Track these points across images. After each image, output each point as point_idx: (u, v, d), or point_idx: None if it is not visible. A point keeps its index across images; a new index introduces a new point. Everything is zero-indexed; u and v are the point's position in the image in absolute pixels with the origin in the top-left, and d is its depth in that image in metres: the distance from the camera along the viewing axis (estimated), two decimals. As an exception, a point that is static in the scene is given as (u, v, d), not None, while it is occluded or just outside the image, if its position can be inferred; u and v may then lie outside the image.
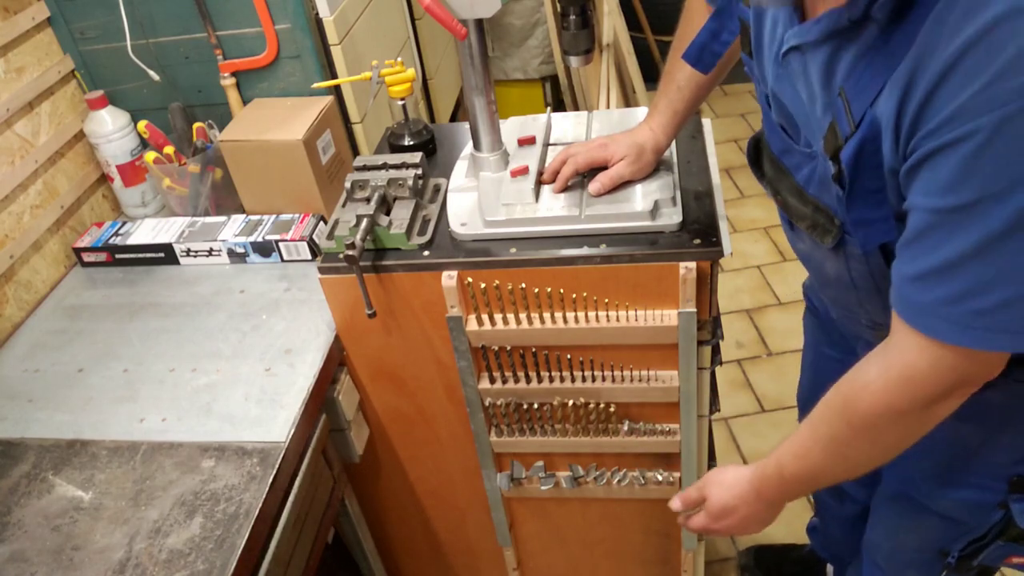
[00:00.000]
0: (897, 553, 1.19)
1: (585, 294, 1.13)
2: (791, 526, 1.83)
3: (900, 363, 0.73)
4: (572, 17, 1.11)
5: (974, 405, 0.79)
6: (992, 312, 0.63)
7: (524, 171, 1.20)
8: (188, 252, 1.41)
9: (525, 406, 1.24)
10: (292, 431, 1.08)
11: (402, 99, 1.39)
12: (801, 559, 1.71)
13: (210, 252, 1.40)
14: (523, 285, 1.13)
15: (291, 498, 1.08)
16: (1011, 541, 0.99)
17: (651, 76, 1.25)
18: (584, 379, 1.21)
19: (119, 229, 1.47)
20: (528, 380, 1.22)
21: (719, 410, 1.38)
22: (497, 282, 1.13)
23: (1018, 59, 0.54)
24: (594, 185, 1.15)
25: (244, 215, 1.44)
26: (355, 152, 1.63)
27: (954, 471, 0.99)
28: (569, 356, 1.19)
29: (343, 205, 1.23)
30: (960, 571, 1.10)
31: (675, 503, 1.05)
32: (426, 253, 1.16)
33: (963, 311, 0.64)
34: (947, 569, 1.11)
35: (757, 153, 1.02)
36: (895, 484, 1.11)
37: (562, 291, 1.13)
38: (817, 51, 0.74)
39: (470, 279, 1.14)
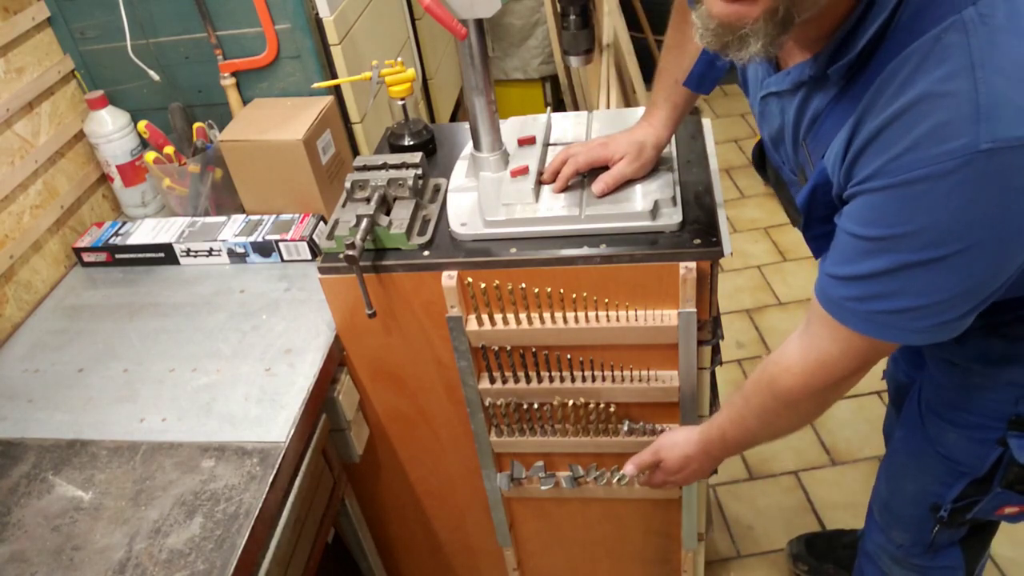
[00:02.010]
0: (892, 503, 1.23)
1: (585, 294, 1.13)
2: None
3: (816, 349, 0.87)
4: (572, 17, 1.11)
5: (977, 348, 0.96)
6: (889, 314, 0.78)
7: (524, 171, 1.20)
8: (188, 252, 1.41)
9: (525, 406, 1.24)
10: (292, 431, 1.08)
11: (402, 99, 1.39)
12: (852, 543, 1.73)
13: (210, 252, 1.40)
14: (523, 285, 1.13)
15: (291, 498, 1.08)
16: (1007, 488, 1.04)
17: (651, 76, 1.25)
18: (584, 379, 1.21)
19: (119, 229, 1.47)
20: (528, 380, 1.22)
21: (719, 410, 1.38)
22: (497, 282, 1.13)
23: (925, 136, 0.65)
24: (597, 186, 1.15)
25: (244, 215, 1.44)
26: (355, 152, 1.63)
27: (958, 409, 1.05)
28: (569, 356, 1.19)
29: (343, 205, 1.23)
30: (951, 525, 1.14)
31: (629, 468, 1.17)
32: (426, 253, 1.16)
33: (867, 309, 0.79)
34: (939, 523, 1.14)
35: (762, 159, 1.08)
36: (915, 415, 1.14)
37: (562, 291, 1.13)
38: (791, 98, 0.84)
39: (470, 279, 1.14)
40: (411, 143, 1.39)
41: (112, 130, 1.49)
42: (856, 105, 0.71)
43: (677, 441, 1.11)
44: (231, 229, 1.41)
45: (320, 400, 1.18)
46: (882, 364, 1.40)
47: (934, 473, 1.12)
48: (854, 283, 0.79)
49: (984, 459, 1.04)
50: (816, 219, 0.86)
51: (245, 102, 1.54)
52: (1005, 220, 0.68)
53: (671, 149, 1.23)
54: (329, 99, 1.46)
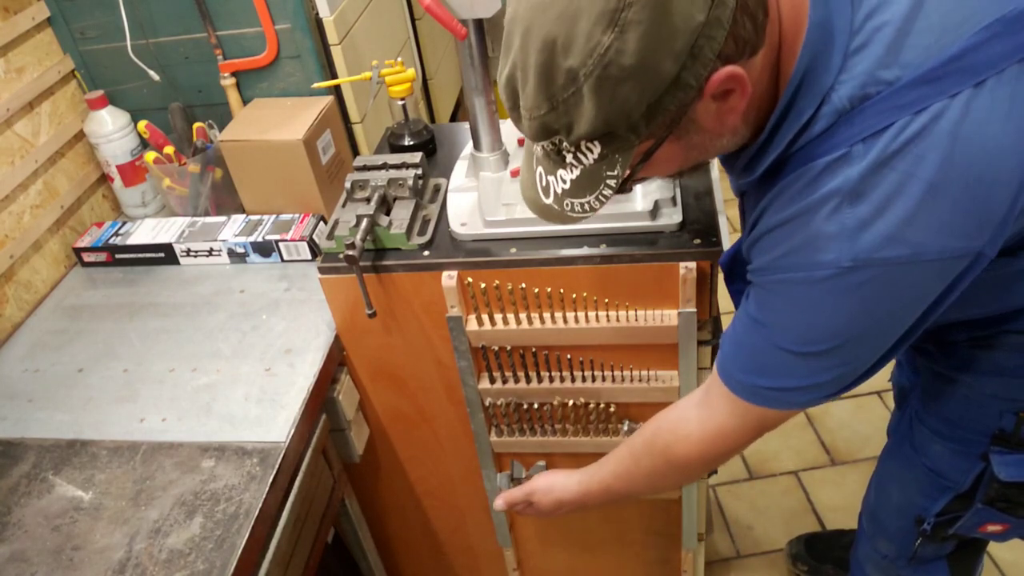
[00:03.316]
0: (879, 512, 1.23)
1: (585, 294, 1.13)
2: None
3: (715, 421, 0.92)
4: (572, 17, 1.11)
5: (963, 359, 0.98)
6: (773, 390, 0.85)
7: (524, 171, 1.20)
8: (188, 252, 1.41)
9: (525, 406, 1.24)
10: (292, 431, 1.08)
11: (402, 99, 1.38)
12: (851, 544, 1.73)
13: (210, 252, 1.40)
14: (523, 285, 1.13)
15: (291, 498, 1.08)
16: (987, 504, 1.04)
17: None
18: (584, 379, 1.21)
19: (119, 229, 1.47)
20: (528, 380, 1.22)
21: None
22: (497, 282, 1.13)
23: (802, 245, 0.74)
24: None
25: (244, 215, 1.44)
26: (355, 152, 1.63)
27: (943, 420, 1.05)
28: (569, 356, 1.19)
29: (343, 205, 1.23)
30: (934, 539, 1.14)
31: (499, 503, 1.18)
32: (426, 253, 1.16)
33: (754, 383, 0.86)
34: (922, 536, 1.14)
35: None
36: (906, 423, 1.15)
37: (562, 291, 1.13)
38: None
39: (470, 279, 1.14)
40: (411, 143, 1.39)
41: (112, 130, 1.49)
42: (764, 195, 0.79)
43: (554, 486, 1.12)
44: (231, 229, 1.41)
45: (320, 400, 1.18)
46: (889, 367, 1.40)
47: (919, 485, 1.11)
48: (744, 359, 0.86)
49: (967, 473, 1.04)
50: (736, 275, 0.94)
51: (245, 102, 1.54)
52: (874, 319, 0.77)
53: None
54: (329, 99, 1.46)
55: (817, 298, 0.76)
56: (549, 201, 0.79)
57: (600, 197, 0.76)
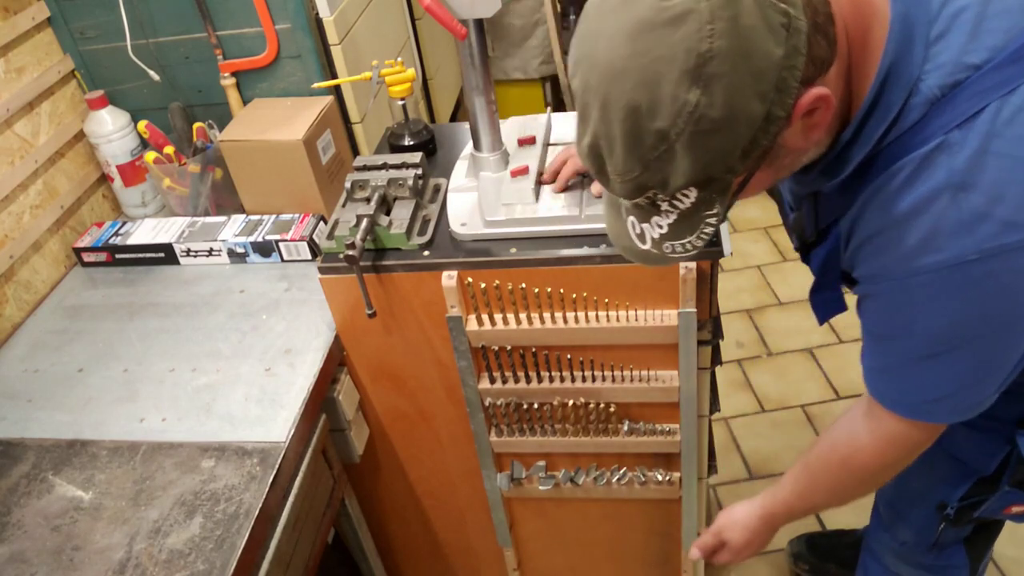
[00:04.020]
0: (898, 501, 1.24)
1: (585, 294, 1.13)
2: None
3: (883, 429, 0.92)
4: (573, 17, 1.12)
5: None
6: (923, 403, 0.85)
7: (524, 171, 1.20)
8: (188, 252, 1.41)
9: (525, 406, 1.24)
10: (292, 431, 1.08)
11: (402, 99, 1.38)
12: (854, 543, 1.73)
13: (210, 252, 1.40)
14: (523, 285, 1.13)
15: (291, 498, 1.08)
16: (1015, 487, 1.06)
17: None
18: (584, 379, 1.21)
19: (119, 229, 1.47)
20: (528, 380, 1.22)
21: (719, 410, 1.38)
22: (497, 282, 1.13)
23: (915, 247, 0.73)
24: (596, 186, 1.15)
25: (244, 215, 1.44)
26: (355, 152, 1.63)
27: None
28: (569, 356, 1.19)
29: (343, 205, 1.23)
30: (958, 523, 1.15)
31: (695, 553, 1.17)
32: (426, 253, 1.16)
33: (906, 400, 0.87)
34: (945, 522, 1.15)
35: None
36: None
37: (562, 291, 1.13)
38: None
39: (470, 279, 1.14)
40: (411, 143, 1.39)
41: (112, 130, 1.49)
42: (853, 197, 0.78)
43: (737, 520, 1.12)
44: (231, 229, 1.41)
45: (320, 400, 1.18)
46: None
47: (941, 472, 1.12)
48: (887, 376, 0.87)
49: (992, 457, 1.05)
50: (826, 284, 0.92)
51: (245, 102, 1.54)
52: (1002, 314, 0.75)
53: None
54: (329, 99, 1.46)
55: (944, 296, 0.75)
56: (647, 247, 0.78)
57: (701, 236, 0.74)
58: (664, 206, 0.72)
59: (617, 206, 0.79)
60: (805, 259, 0.96)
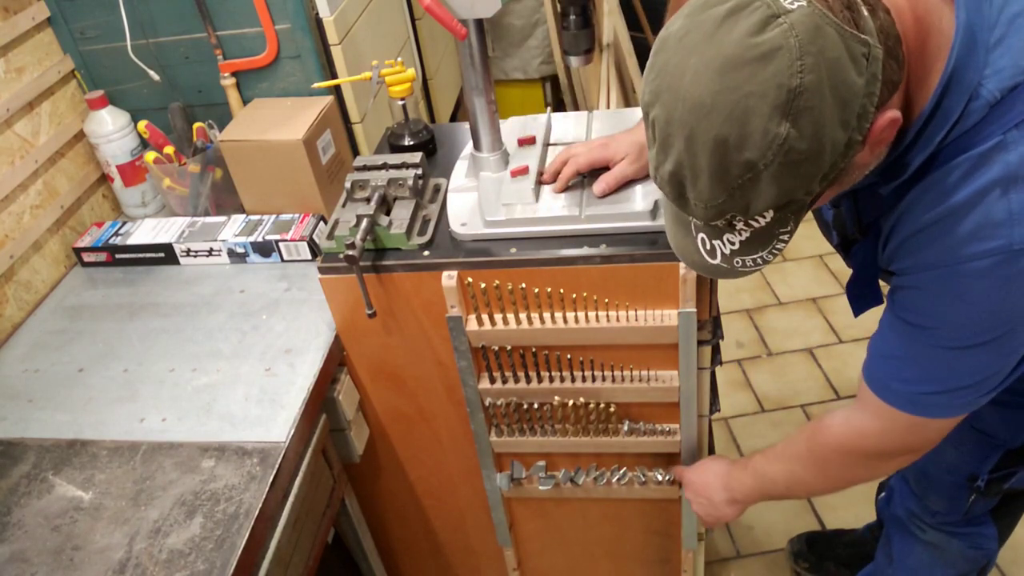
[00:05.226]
0: (928, 471, 1.25)
1: (585, 294, 1.13)
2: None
3: (859, 419, 0.94)
4: (572, 17, 1.11)
5: None
6: (927, 395, 0.86)
7: (524, 171, 1.20)
8: (188, 252, 1.41)
9: (525, 406, 1.24)
10: (292, 431, 1.08)
11: (402, 99, 1.38)
12: (853, 542, 1.74)
13: (210, 252, 1.40)
14: (523, 285, 1.13)
15: (291, 498, 1.08)
16: None
17: (651, 76, 1.24)
18: (584, 379, 1.21)
19: (119, 229, 1.47)
20: (528, 380, 1.22)
21: (719, 410, 1.38)
22: (497, 282, 1.13)
23: (966, 236, 0.75)
24: (599, 186, 1.15)
25: (244, 215, 1.44)
26: (355, 152, 1.63)
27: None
28: (569, 356, 1.19)
29: (343, 205, 1.23)
30: (988, 495, 1.18)
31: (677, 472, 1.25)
32: (426, 253, 1.16)
33: (911, 390, 0.87)
34: (976, 493, 1.17)
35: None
36: None
37: (562, 291, 1.13)
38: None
39: (470, 279, 1.14)
40: (411, 143, 1.39)
41: (112, 130, 1.49)
42: (901, 193, 0.79)
43: (708, 467, 1.19)
44: (231, 229, 1.41)
45: (320, 400, 1.18)
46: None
47: (969, 446, 1.14)
48: (897, 363, 0.87)
49: (1020, 430, 1.07)
50: (866, 278, 0.94)
51: (245, 102, 1.54)
52: None
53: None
54: (329, 99, 1.46)
55: (983, 288, 0.76)
56: (717, 261, 0.79)
57: (773, 251, 0.76)
58: (740, 226, 0.74)
59: (686, 223, 0.80)
60: (845, 255, 0.97)
